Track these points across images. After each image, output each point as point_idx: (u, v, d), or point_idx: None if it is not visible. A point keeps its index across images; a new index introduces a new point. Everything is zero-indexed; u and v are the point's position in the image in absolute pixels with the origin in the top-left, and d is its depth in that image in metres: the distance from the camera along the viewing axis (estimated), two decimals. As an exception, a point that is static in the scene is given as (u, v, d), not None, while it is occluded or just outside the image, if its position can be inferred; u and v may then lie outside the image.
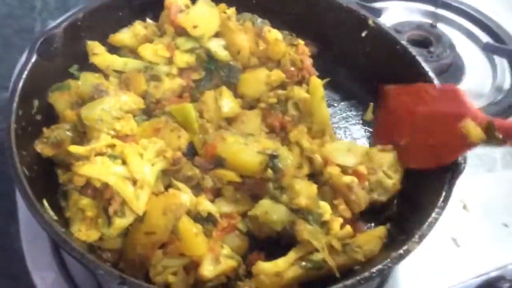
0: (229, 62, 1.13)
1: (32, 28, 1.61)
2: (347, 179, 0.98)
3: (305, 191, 0.94)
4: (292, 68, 1.14)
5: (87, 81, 1.03)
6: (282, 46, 1.14)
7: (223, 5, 1.17)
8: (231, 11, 1.17)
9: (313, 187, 0.96)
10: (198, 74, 1.13)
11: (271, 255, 0.92)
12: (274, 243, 0.96)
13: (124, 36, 1.15)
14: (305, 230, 0.90)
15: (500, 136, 0.88)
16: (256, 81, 1.13)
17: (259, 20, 1.17)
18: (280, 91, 1.11)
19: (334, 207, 0.98)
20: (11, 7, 1.63)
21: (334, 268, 0.87)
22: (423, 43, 1.49)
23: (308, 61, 1.16)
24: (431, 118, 1.02)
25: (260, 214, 0.93)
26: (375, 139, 1.17)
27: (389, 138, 1.09)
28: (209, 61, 1.14)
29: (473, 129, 0.91)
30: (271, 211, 0.93)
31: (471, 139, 0.91)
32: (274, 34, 1.15)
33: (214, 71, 1.14)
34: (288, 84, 1.13)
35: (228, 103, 1.08)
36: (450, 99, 0.99)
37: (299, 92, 1.09)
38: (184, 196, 0.88)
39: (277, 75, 1.12)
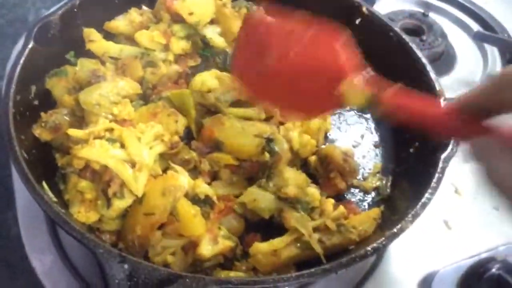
0: (225, 48, 1.15)
1: (26, 18, 1.61)
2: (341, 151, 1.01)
3: (294, 180, 0.95)
4: None
5: (84, 66, 1.04)
6: None
7: None
8: None
9: (302, 176, 0.98)
10: (194, 60, 1.15)
11: (267, 237, 0.93)
12: (270, 224, 0.97)
13: (119, 23, 1.16)
14: (292, 218, 0.92)
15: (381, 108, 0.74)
16: None
17: (254, 7, 1.18)
18: None
19: (328, 182, 1.01)
20: (4, -3, 1.63)
21: (321, 255, 0.89)
22: (415, 31, 1.51)
23: None
24: (301, 68, 0.81)
25: (248, 202, 0.95)
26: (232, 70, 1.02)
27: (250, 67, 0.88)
28: (205, 48, 1.15)
29: (352, 95, 0.76)
30: (258, 199, 0.94)
31: (348, 103, 0.78)
32: None
33: (210, 58, 1.15)
34: None
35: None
36: (329, 52, 0.79)
37: None
38: (183, 178, 0.89)
39: None
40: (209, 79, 1.03)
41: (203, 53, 1.15)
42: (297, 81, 0.82)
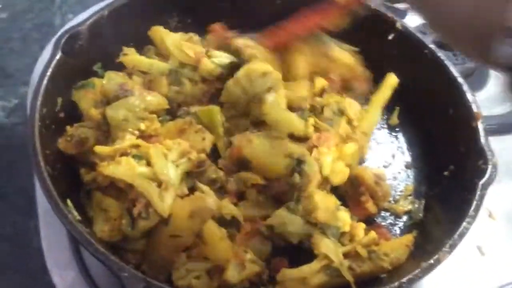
0: None
1: (52, 23, 1.61)
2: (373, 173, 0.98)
3: (323, 203, 0.92)
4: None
5: (111, 79, 1.02)
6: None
7: None
8: None
9: (332, 199, 0.95)
10: (222, 83, 1.11)
11: (294, 261, 0.90)
12: (297, 248, 0.94)
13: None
14: (323, 244, 0.88)
15: None
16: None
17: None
18: (318, 98, 1.09)
19: (359, 205, 0.98)
20: (31, 1, 1.63)
21: (352, 283, 0.85)
22: (447, 45, 1.46)
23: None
24: None
25: (276, 225, 0.92)
26: None
27: None
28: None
29: None
30: (287, 222, 0.91)
31: None
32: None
33: None
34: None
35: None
36: None
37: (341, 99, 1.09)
38: (211, 200, 0.86)
39: (320, 83, 1.10)
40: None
41: None
42: None
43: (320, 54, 1.11)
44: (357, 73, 1.14)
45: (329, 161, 0.96)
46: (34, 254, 1.07)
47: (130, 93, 0.96)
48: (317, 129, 1.04)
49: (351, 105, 1.10)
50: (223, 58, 1.10)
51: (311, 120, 1.03)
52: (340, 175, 0.97)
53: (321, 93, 1.11)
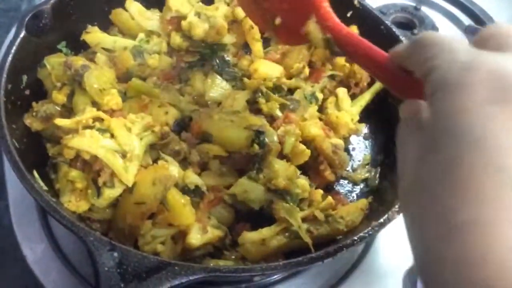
0: (224, 55, 1.14)
1: (19, 7, 1.61)
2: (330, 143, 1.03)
3: (283, 172, 0.96)
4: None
5: (54, 64, 1.03)
6: None
7: None
8: None
9: (292, 168, 0.98)
10: (191, 56, 1.14)
11: (257, 227, 0.94)
12: (260, 215, 0.98)
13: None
14: (282, 209, 0.93)
15: (339, 50, 0.77)
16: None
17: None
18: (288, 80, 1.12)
19: (318, 173, 1.02)
20: (-2, -13, 1.62)
21: (310, 244, 0.90)
22: (407, 25, 1.52)
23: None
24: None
25: (238, 193, 0.96)
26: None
27: None
28: (205, 48, 1.14)
29: (314, 34, 0.80)
30: (249, 190, 0.95)
31: (311, 41, 0.81)
32: None
33: (208, 59, 1.14)
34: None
35: (216, 90, 1.09)
36: None
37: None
38: (173, 167, 0.90)
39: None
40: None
41: (203, 52, 1.14)
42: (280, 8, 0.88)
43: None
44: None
45: (291, 141, 1.00)
46: (5, 232, 1.09)
47: (88, 68, 0.98)
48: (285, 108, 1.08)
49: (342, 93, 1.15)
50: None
51: (274, 102, 1.06)
52: (300, 156, 1.01)
53: (292, 77, 1.15)
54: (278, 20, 0.89)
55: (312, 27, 0.80)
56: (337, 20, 0.78)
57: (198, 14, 1.11)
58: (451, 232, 0.39)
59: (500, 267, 0.35)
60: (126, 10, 1.18)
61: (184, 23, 1.10)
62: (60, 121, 0.91)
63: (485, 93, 0.42)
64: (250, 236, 0.90)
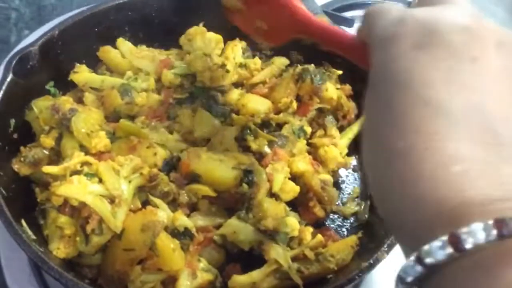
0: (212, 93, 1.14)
1: (8, 39, 1.61)
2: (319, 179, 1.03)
3: (273, 211, 0.95)
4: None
5: (42, 108, 1.03)
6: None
7: None
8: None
9: (281, 206, 0.98)
10: (180, 93, 1.14)
11: (248, 266, 0.94)
12: (251, 254, 0.98)
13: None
14: (272, 250, 0.93)
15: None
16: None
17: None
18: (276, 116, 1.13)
19: (308, 210, 1.03)
20: (-14, 19, 1.63)
21: (300, 285, 0.90)
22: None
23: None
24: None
25: (227, 234, 0.96)
26: None
27: None
28: (196, 85, 1.14)
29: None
30: (238, 231, 0.95)
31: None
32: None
33: (198, 96, 1.14)
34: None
35: (204, 127, 1.08)
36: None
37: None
38: (162, 213, 0.89)
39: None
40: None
41: (193, 90, 1.14)
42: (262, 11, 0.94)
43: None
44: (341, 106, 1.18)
45: (280, 179, 1.00)
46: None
47: (76, 111, 0.98)
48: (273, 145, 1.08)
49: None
50: (182, 68, 1.14)
51: (262, 139, 1.06)
52: (290, 193, 1.01)
53: (280, 111, 1.15)
54: (264, 25, 0.95)
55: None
56: (307, 12, 0.83)
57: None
58: (392, 157, 0.46)
59: (433, 181, 0.43)
60: (115, 48, 1.18)
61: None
62: (48, 169, 0.91)
63: (411, 40, 0.49)
64: (240, 280, 0.90)
